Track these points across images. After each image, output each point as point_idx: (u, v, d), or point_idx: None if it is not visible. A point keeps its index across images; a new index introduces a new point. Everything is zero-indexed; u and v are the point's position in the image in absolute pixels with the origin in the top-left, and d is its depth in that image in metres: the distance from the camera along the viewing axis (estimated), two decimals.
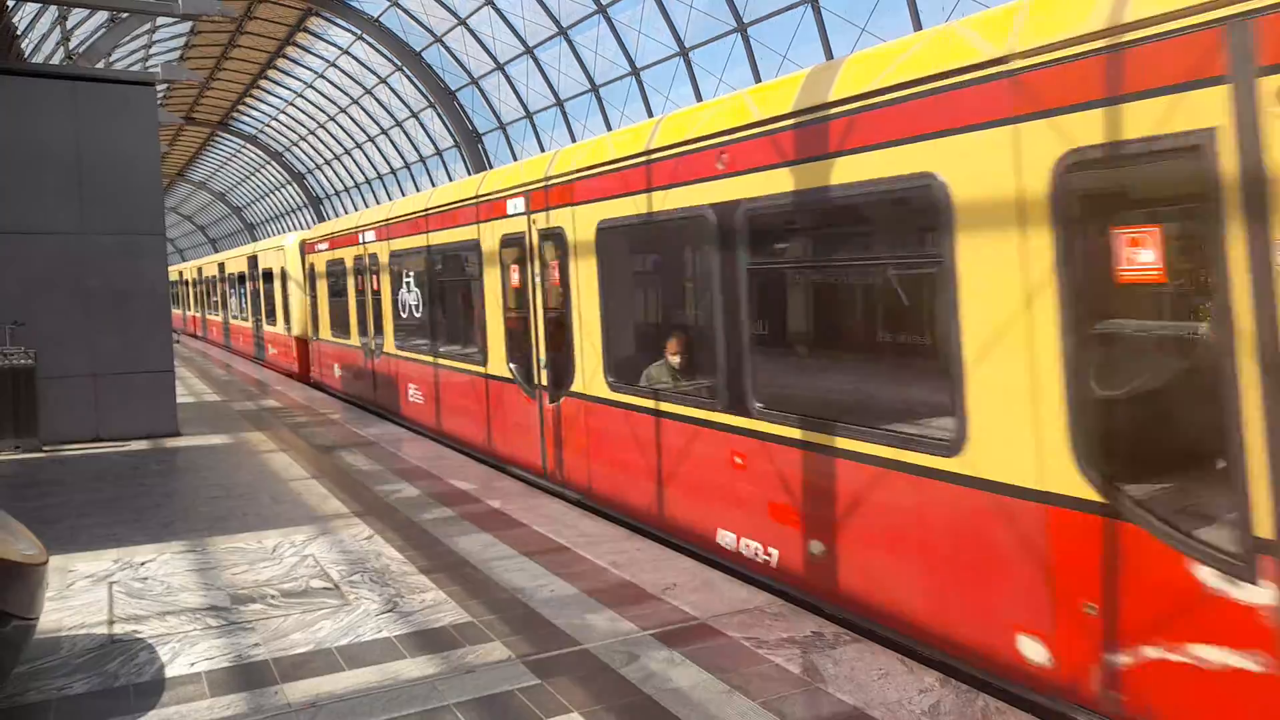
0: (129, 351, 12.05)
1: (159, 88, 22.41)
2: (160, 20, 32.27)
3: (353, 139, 46.22)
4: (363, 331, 14.71)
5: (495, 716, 4.02)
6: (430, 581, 5.84)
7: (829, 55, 20.71)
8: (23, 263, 11.47)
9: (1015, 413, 4.21)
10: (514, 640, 4.85)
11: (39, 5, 21.50)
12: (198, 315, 37.95)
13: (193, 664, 4.64)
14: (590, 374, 7.80)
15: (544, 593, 5.59)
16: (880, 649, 4.62)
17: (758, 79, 22.64)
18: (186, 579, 6.02)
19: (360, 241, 14.43)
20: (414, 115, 39.29)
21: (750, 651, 4.62)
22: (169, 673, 4.55)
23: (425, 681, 4.37)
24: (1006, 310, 4.24)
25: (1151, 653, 3.71)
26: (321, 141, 49.43)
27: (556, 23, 27.94)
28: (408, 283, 12.53)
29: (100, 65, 28.64)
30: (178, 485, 9.11)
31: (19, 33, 20.72)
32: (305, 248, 18.66)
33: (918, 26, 18.77)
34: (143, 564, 6.37)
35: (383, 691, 4.27)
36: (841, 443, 5.21)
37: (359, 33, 36.10)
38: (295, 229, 58.77)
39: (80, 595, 5.76)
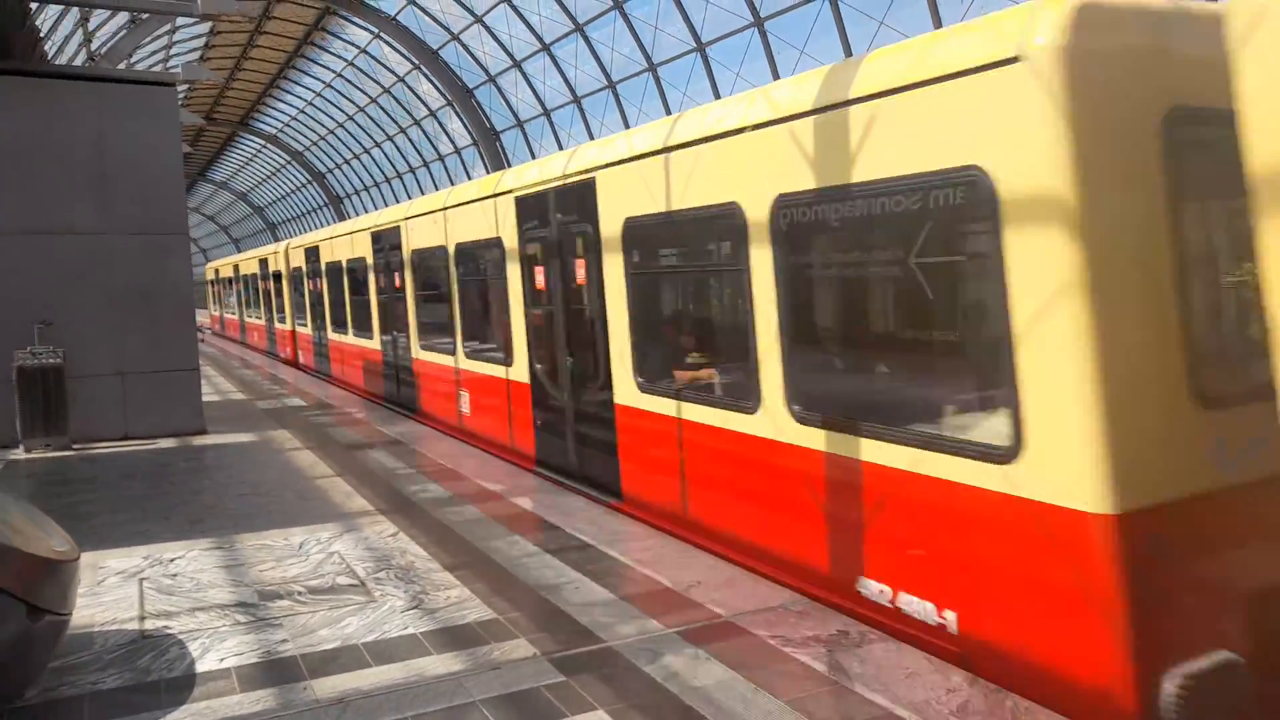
0: (155, 350, 12.19)
1: (180, 88, 22.61)
2: (180, 21, 32.53)
3: (371, 138, 46.45)
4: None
5: (521, 713, 4.04)
6: (455, 578, 5.87)
7: (848, 50, 20.58)
8: (50, 262, 11.61)
9: None
10: (539, 637, 4.87)
11: (61, 8, 21.73)
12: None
13: (222, 660, 4.70)
14: None
15: (569, 590, 5.61)
16: (907, 648, 4.60)
17: (775, 74, 22.55)
18: (215, 575, 6.09)
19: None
20: (432, 114, 39.43)
21: (775, 650, 4.61)
22: (199, 668, 4.60)
23: (451, 678, 4.40)
24: None
25: None
26: (341, 140, 49.71)
27: (573, 19, 27.95)
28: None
29: (122, 66, 28.93)
30: (205, 483, 9.22)
31: (42, 35, 20.95)
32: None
33: (936, 21, 18.63)
34: (172, 560, 6.45)
35: (409, 688, 4.30)
36: None
37: (377, 31, 36.26)
38: (317, 228, 59.12)
39: (112, 591, 5.84)
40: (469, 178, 38.55)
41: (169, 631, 5.11)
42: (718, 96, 24.45)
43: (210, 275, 40.15)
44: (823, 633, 4.80)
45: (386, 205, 48.24)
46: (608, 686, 4.26)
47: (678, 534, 6.64)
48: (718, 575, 5.77)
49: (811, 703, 4.04)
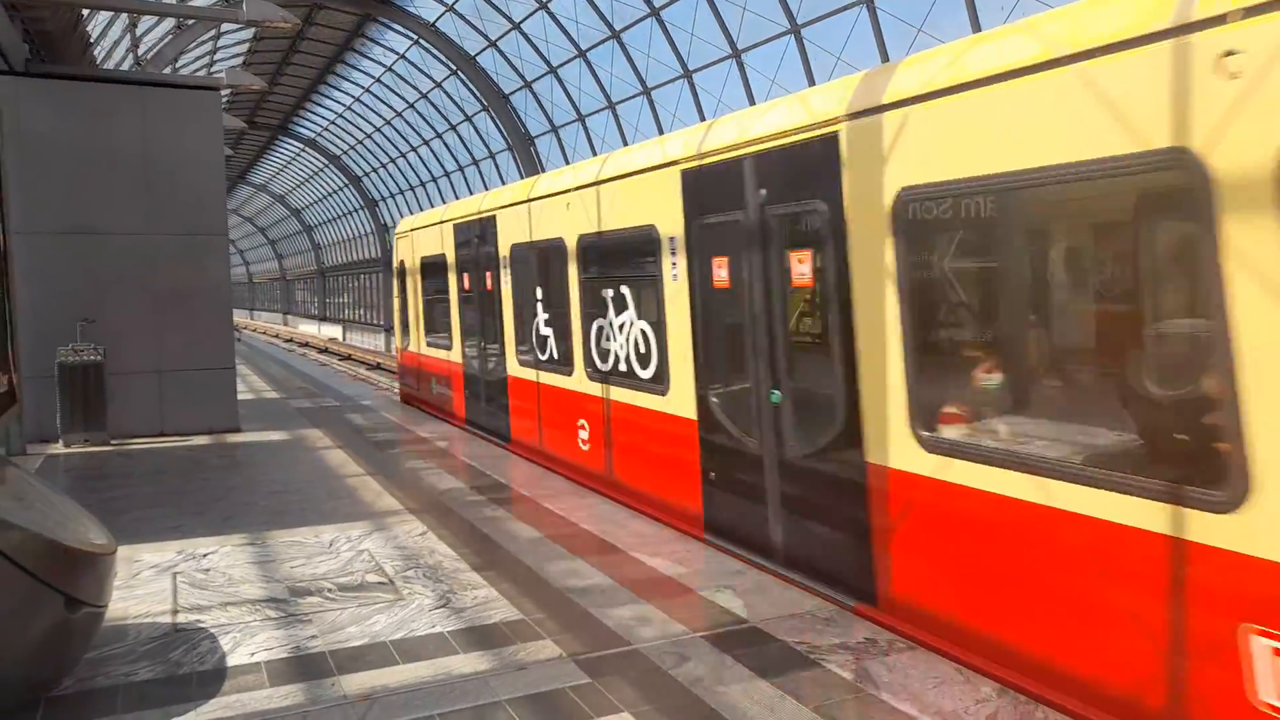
0: (192, 349, 12.40)
1: (223, 92, 23.05)
2: (225, 27, 33.13)
3: (408, 142, 46.94)
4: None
5: (546, 714, 4.04)
6: (482, 579, 5.89)
7: (885, 57, 20.44)
8: (93, 262, 11.87)
9: None
10: (565, 638, 4.87)
11: (110, 14, 22.22)
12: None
13: (253, 654, 4.75)
14: None
15: (595, 592, 5.61)
16: (935, 657, 4.54)
17: (811, 81, 22.44)
18: (247, 571, 6.17)
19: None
20: (468, 119, 39.76)
21: (802, 656, 4.58)
22: (230, 662, 4.66)
23: (478, 677, 4.41)
24: None
25: None
26: (378, 144, 50.28)
27: (609, 25, 28.05)
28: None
29: (167, 71, 29.53)
30: (238, 480, 9.34)
31: (92, 40, 21.45)
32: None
33: (976, 27, 18.43)
34: (205, 555, 6.54)
35: (436, 686, 4.32)
36: None
37: (416, 37, 36.67)
38: (356, 233, 59.55)
39: (146, 585, 5.93)
40: (503, 182, 38.76)
41: (201, 625, 5.18)
42: (752, 103, 24.40)
43: (414, 252, 14.82)
44: (849, 640, 4.75)
45: (422, 209, 48.61)
46: (633, 689, 4.25)
47: None
48: (745, 580, 5.73)
49: (838, 710, 4.00)
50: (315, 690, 4.30)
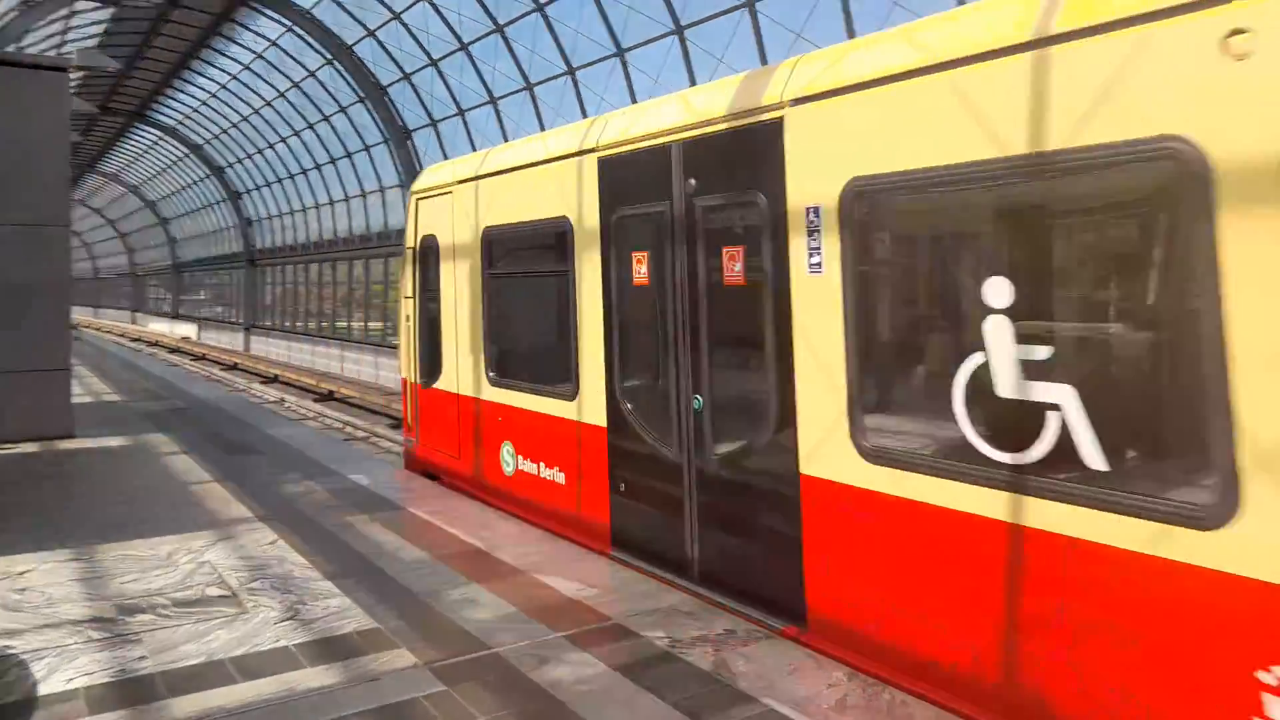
0: (22, 348, 11.31)
1: (73, 74, 21.40)
2: (79, 6, 30.93)
3: (277, 133, 45.02)
4: None
5: None
6: (335, 587, 5.61)
7: (764, 60, 20.88)
8: None
9: None
10: (421, 646, 4.68)
11: None
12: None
13: (70, 680, 4.34)
14: None
15: (455, 596, 5.43)
16: (791, 645, 4.60)
17: (693, 81, 22.70)
18: (70, 589, 5.66)
19: None
20: (343, 110, 38.45)
21: (663, 651, 4.57)
22: (42, 690, 4.24)
23: (324, 692, 4.17)
24: None
25: None
26: (245, 135, 48.02)
27: (493, 19, 27.66)
28: None
29: (11, 49, 27.31)
30: (68, 490, 8.62)
31: None
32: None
33: (850, 33, 19.04)
34: (22, 574, 5.97)
35: (279, 704, 4.06)
36: None
37: (290, 24, 35.24)
38: (216, 226, 56.68)
39: None
40: (378, 177, 37.68)
41: (10, 651, 4.70)
42: (634, 101, 24.50)
43: (459, 222, 8.46)
44: (710, 632, 4.77)
45: (290, 203, 46.64)
46: (491, 694, 4.13)
47: None
48: (608, 578, 5.66)
49: (696, 703, 3.99)
50: (141, 716, 3.97)
